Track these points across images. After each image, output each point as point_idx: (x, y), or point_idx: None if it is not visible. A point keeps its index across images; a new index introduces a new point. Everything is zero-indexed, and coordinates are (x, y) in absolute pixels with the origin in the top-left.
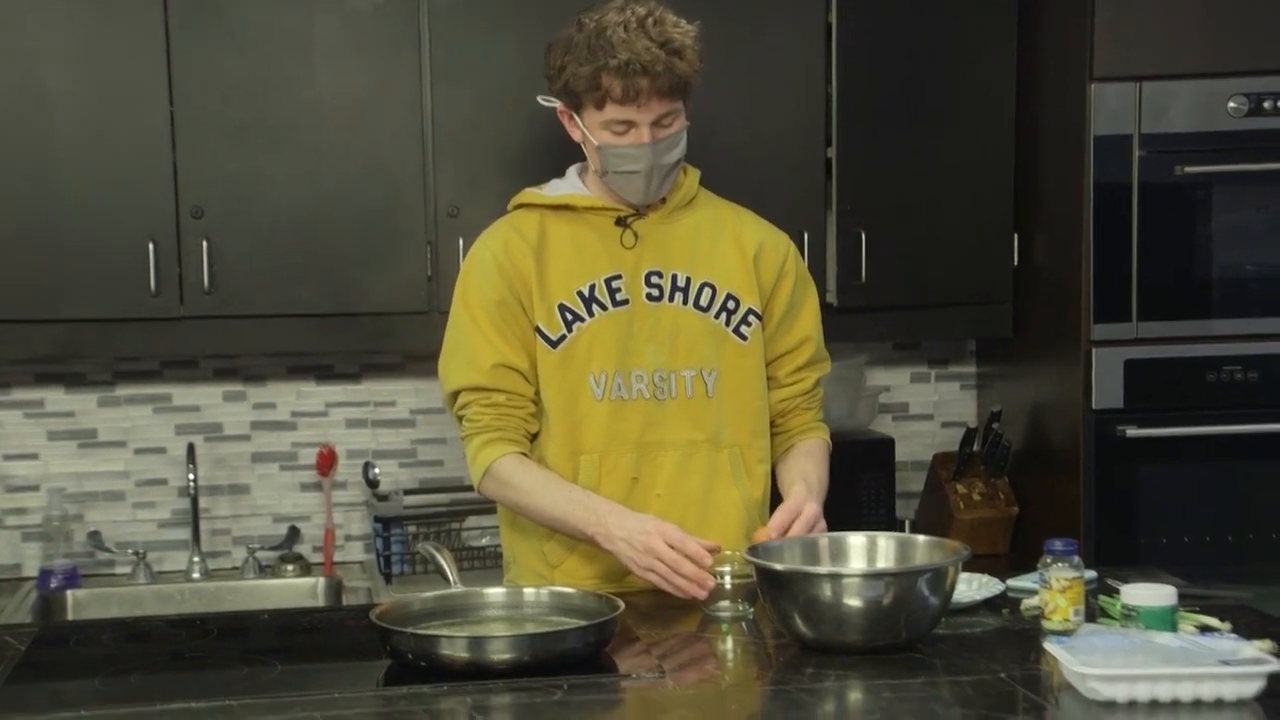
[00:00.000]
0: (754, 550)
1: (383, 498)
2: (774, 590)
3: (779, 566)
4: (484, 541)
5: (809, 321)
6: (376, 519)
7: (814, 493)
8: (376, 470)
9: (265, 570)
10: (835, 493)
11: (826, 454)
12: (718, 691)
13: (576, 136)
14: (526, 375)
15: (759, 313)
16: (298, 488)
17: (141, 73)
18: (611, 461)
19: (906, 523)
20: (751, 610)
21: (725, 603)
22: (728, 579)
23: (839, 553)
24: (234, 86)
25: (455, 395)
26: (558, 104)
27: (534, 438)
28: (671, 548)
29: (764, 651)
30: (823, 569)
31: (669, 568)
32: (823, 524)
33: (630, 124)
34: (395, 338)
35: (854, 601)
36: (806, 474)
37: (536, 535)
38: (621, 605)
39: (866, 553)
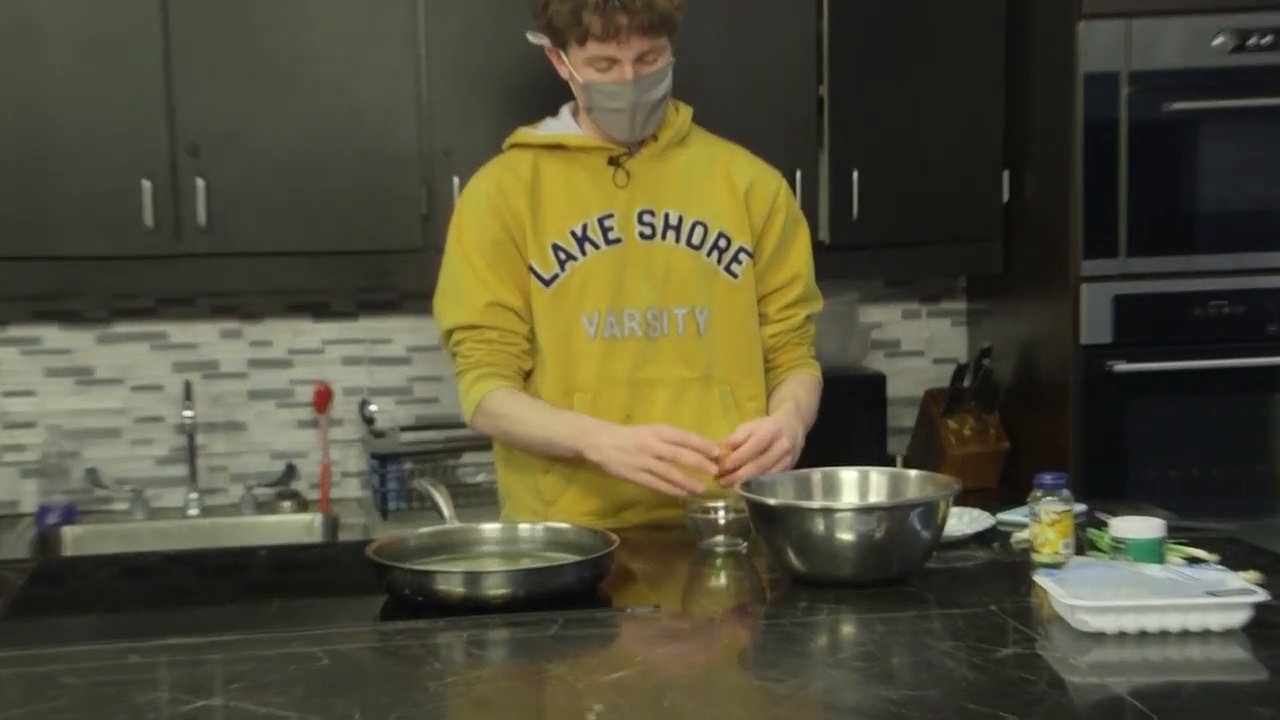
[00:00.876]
0: (747, 485)
1: (379, 434)
2: (767, 525)
3: (772, 501)
4: (479, 478)
5: (799, 258)
6: (373, 456)
7: (800, 416)
8: (373, 407)
9: (262, 507)
10: (827, 429)
11: (817, 387)
12: (711, 625)
13: (564, 74)
14: (520, 313)
15: (750, 251)
16: (294, 425)
17: (137, 10)
18: (604, 399)
19: (898, 458)
20: (745, 545)
21: (720, 537)
22: (722, 514)
23: (832, 487)
24: (230, 24)
25: (450, 333)
26: (545, 41)
27: (528, 376)
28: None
29: (758, 586)
30: (815, 503)
31: (665, 463)
32: (786, 445)
33: (612, 61)
34: (391, 275)
35: (847, 536)
36: (797, 397)
37: (531, 471)
38: (616, 540)
39: (859, 487)
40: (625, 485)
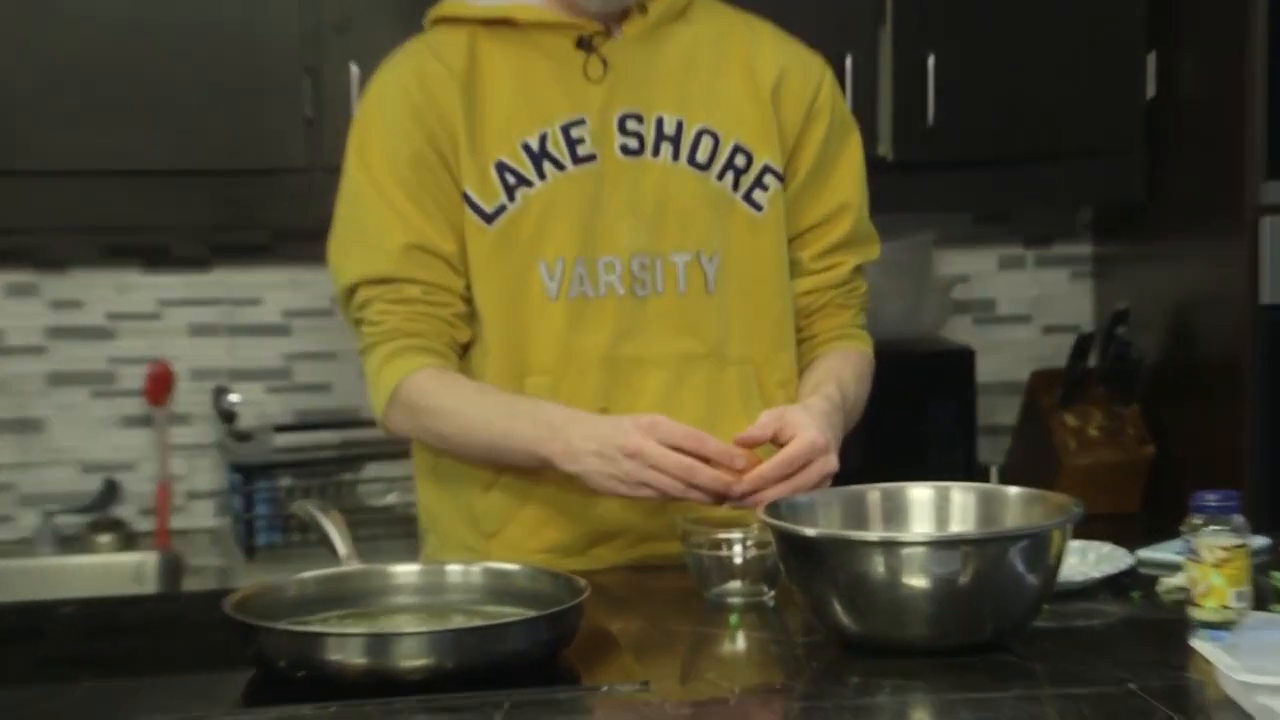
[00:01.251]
0: (775, 509)
1: (243, 437)
2: (804, 565)
3: (811, 531)
4: (390, 500)
5: (848, 183)
6: (234, 468)
7: (844, 410)
8: (234, 398)
9: (69, 543)
10: (892, 427)
11: (868, 368)
12: (725, 711)
13: None
14: (452, 262)
15: (779, 171)
16: (117, 423)
17: None
18: (571, 386)
19: (993, 469)
20: (772, 594)
21: (735, 583)
22: (738, 550)
23: (897, 511)
24: None
25: (351, 291)
26: None
27: (464, 352)
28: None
29: (790, 653)
30: (873, 535)
31: (674, 476)
32: (833, 463)
33: None
34: (260, 208)
35: (918, 580)
36: (840, 380)
37: (467, 488)
38: (586, 588)
39: (935, 511)
40: (602, 509)
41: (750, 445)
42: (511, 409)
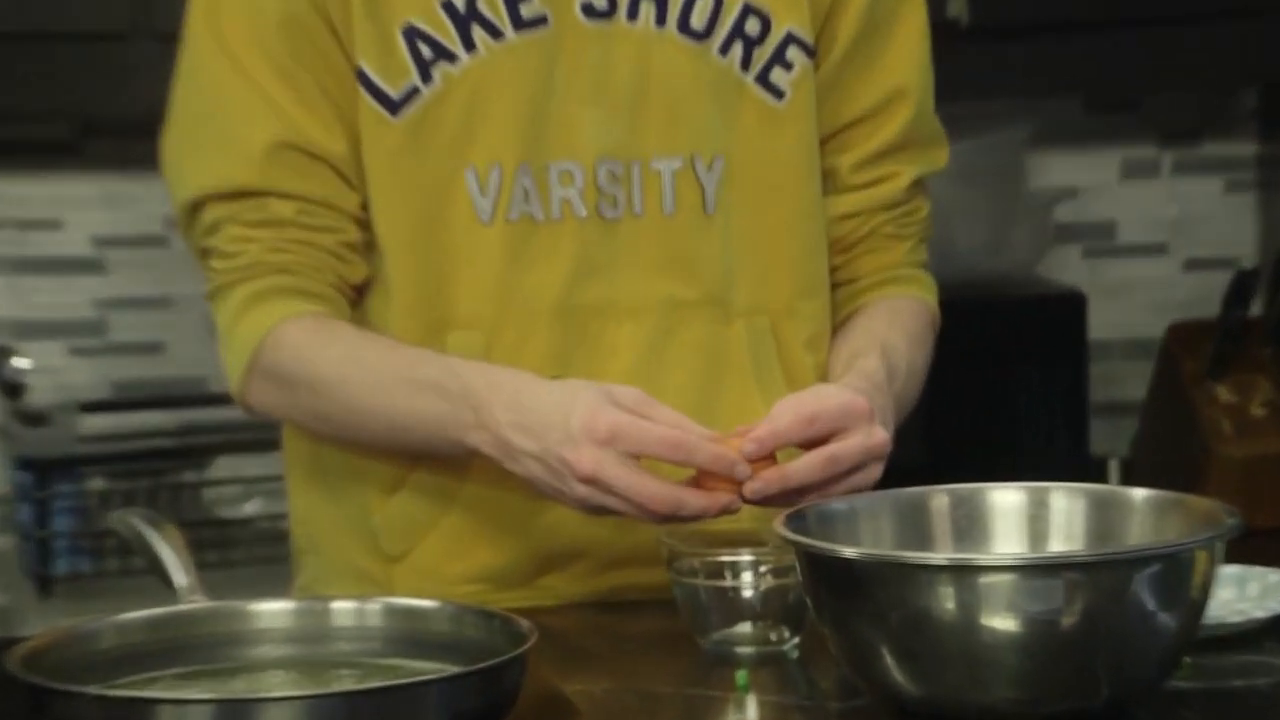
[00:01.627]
0: (800, 520)
1: (35, 419)
2: (842, 600)
3: (851, 552)
4: (251, 509)
5: (905, 59)
6: (23, 464)
7: (893, 389)
8: (21, 363)
9: None
10: (967, 405)
11: (928, 326)
12: None
13: None
14: (340, 168)
15: (808, 43)
16: None
17: None
18: (510, 345)
19: (1112, 464)
20: (796, 641)
21: (744, 626)
22: (748, 580)
23: (973, 523)
24: None
25: (195, 208)
26: None
27: (359, 295)
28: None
29: None
30: (940, 556)
31: (647, 510)
32: (877, 471)
33: None
34: (62, 91)
35: (1004, 621)
36: (887, 349)
37: (361, 492)
38: (532, 634)
39: (1029, 523)
40: (554, 519)
41: (760, 442)
42: (414, 372)
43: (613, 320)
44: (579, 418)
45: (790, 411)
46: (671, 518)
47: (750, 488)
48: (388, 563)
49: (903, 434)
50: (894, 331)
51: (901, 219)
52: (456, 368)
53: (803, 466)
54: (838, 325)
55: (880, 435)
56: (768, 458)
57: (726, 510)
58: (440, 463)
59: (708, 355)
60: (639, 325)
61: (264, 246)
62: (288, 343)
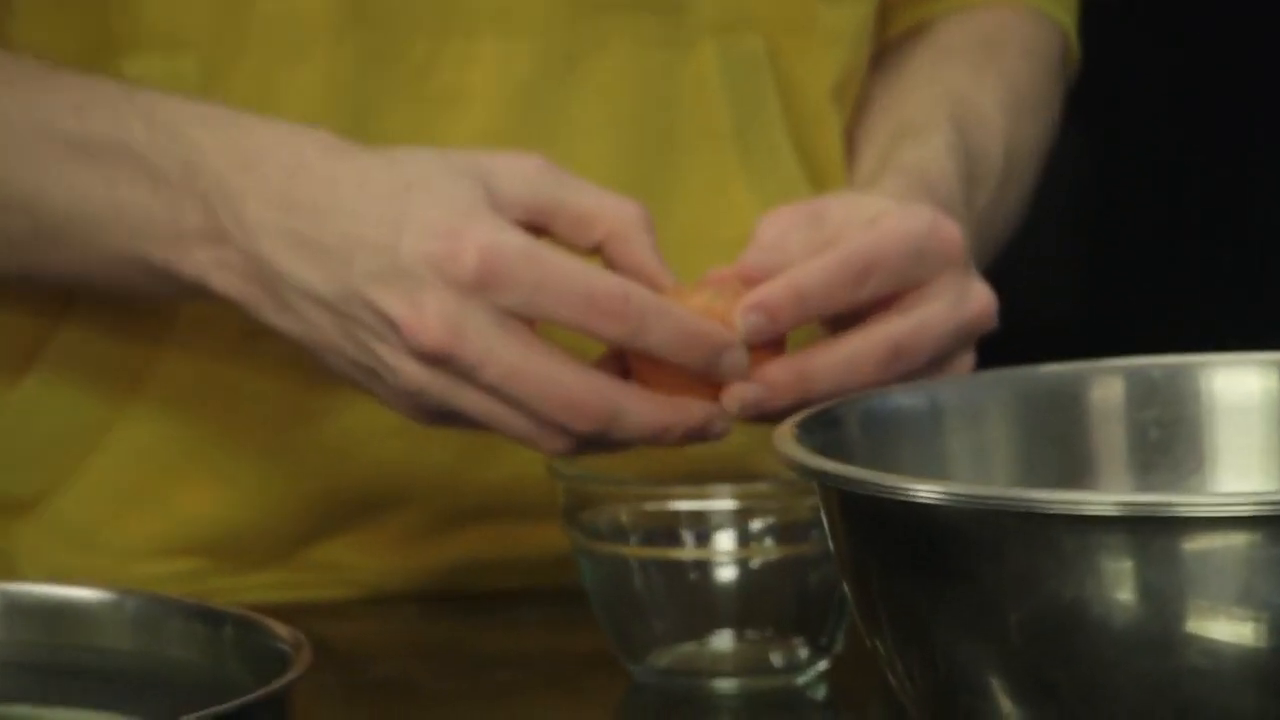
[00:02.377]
0: (822, 427)
1: None
2: (911, 584)
3: (931, 492)
4: None
5: None
6: None
7: (955, 195)
8: None
9: None
10: (1133, 219)
11: (1052, 69)
12: None
13: None
14: None
15: None
16: None
17: None
18: (251, 74)
19: None
20: (821, 666)
21: (723, 637)
22: (725, 550)
23: (1174, 435)
24: None
25: None
26: None
27: None
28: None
29: None
30: (1109, 498)
31: (582, 398)
32: (981, 303)
33: None
34: None
35: (1234, 624)
36: (970, 117)
37: None
38: (296, 657)
39: (1254, 435)
40: (350, 428)
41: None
42: (92, 130)
43: (455, 36)
44: (423, 228)
45: (824, 255)
46: (595, 440)
47: (744, 394)
48: (4, 514)
49: (1022, 276)
50: (983, 86)
51: None
52: (166, 116)
53: (840, 364)
54: (878, 59)
55: (982, 296)
56: (774, 341)
57: (701, 434)
58: (118, 316)
59: (645, 107)
60: (508, 46)
61: None
62: None
